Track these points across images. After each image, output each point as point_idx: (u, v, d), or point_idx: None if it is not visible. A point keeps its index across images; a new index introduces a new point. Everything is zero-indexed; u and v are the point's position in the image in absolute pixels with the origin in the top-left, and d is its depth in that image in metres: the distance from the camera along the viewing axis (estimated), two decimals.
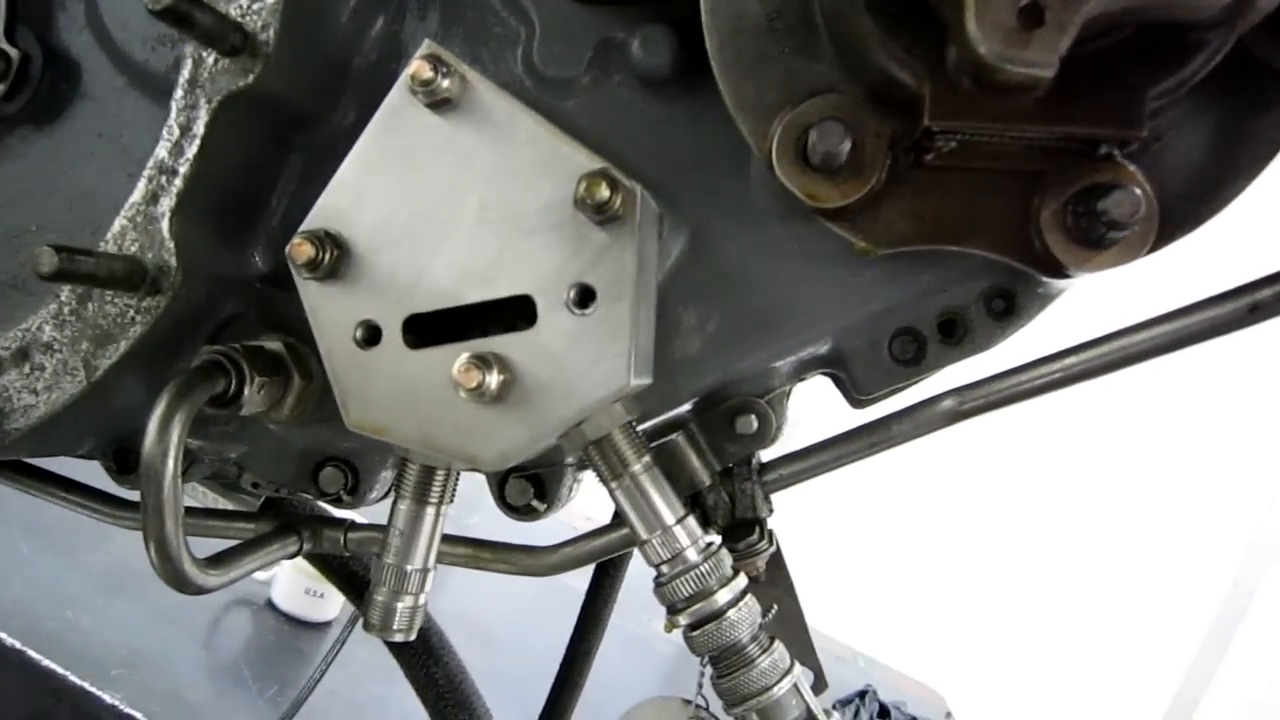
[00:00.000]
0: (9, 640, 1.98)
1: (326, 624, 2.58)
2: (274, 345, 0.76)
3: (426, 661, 1.13)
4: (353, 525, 0.87)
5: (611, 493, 0.71)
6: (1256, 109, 0.67)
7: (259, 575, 2.42)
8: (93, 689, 1.98)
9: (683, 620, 0.70)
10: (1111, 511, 3.44)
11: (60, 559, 2.37)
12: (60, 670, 1.99)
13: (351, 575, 1.10)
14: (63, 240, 0.84)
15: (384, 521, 0.91)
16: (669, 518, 0.71)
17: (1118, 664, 3.50)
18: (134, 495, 0.90)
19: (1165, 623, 3.43)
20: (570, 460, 0.81)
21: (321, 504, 0.88)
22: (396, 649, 1.14)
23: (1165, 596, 3.42)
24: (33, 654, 1.99)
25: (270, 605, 2.56)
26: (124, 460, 0.88)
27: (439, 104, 0.64)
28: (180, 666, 2.26)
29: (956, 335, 0.77)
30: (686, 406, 0.79)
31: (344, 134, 0.79)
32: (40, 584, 2.27)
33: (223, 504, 1.06)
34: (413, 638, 0.73)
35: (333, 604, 2.58)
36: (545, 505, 0.81)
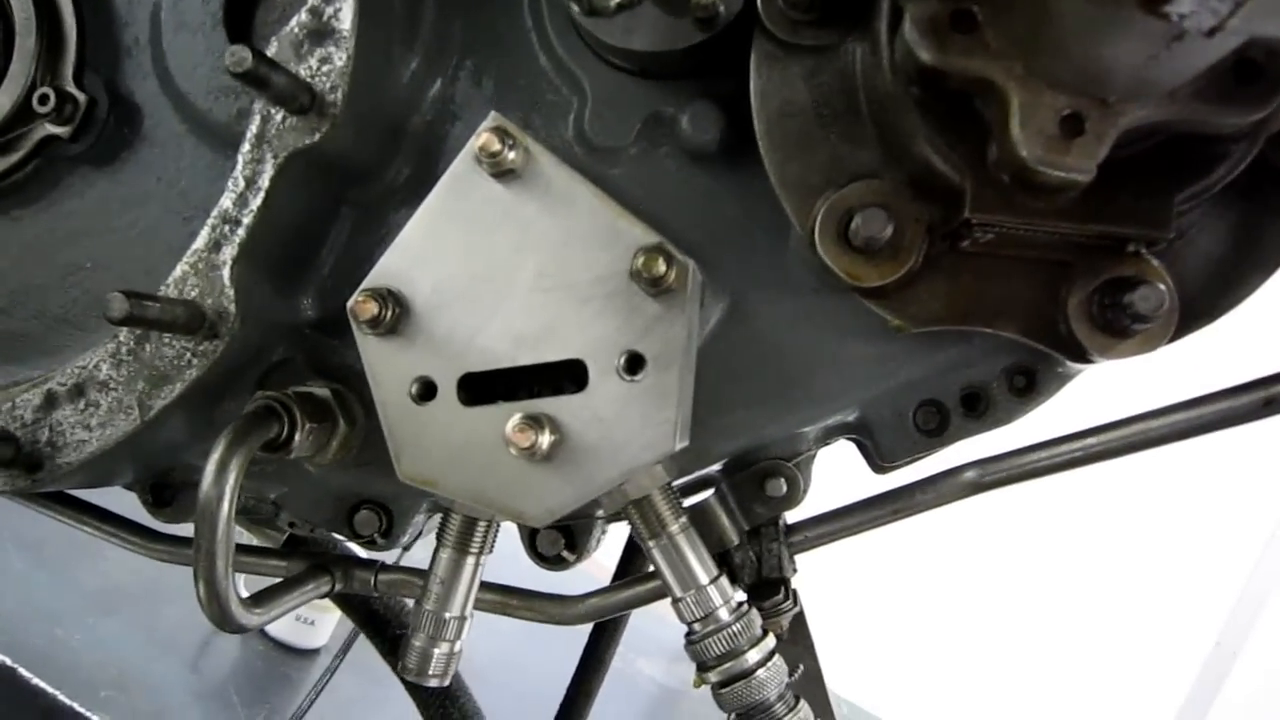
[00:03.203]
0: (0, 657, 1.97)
1: (315, 651, 2.58)
2: (322, 392, 0.79)
3: (444, 702, 1.15)
4: (383, 567, 0.89)
5: (649, 551, 0.74)
6: (1273, 212, 0.71)
7: None
8: (82, 709, 1.98)
9: (713, 677, 0.73)
10: (1089, 570, 3.47)
11: (53, 575, 2.36)
12: (50, 689, 1.99)
13: (371, 614, 1.11)
14: (117, 278, 0.87)
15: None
16: (703, 578, 0.73)
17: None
18: (165, 528, 0.92)
19: (1149, 678, 3.45)
20: (600, 514, 0.84)
21: (351, 545, 0.90)
22: (415, 688, 1.16)
23: (1150, 651, 3.44)
24: (23, 672, 1.98)
25: (260, 630, 2.56)
26: (160, 493, 0.90)
27: (503, 174, 0.68)
28: (169, 689, 2.25)
29: (978, 409, 0.81)
30: (716, 466, 0.82)
31: (396, 190, 0.82)
32: (32, 600, 2.26)
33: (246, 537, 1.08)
34: (447, 683, 0.75)
35: (322, 631, 2.58)
36: (575, 556, 0.84)
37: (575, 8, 0.57)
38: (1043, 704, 3.49)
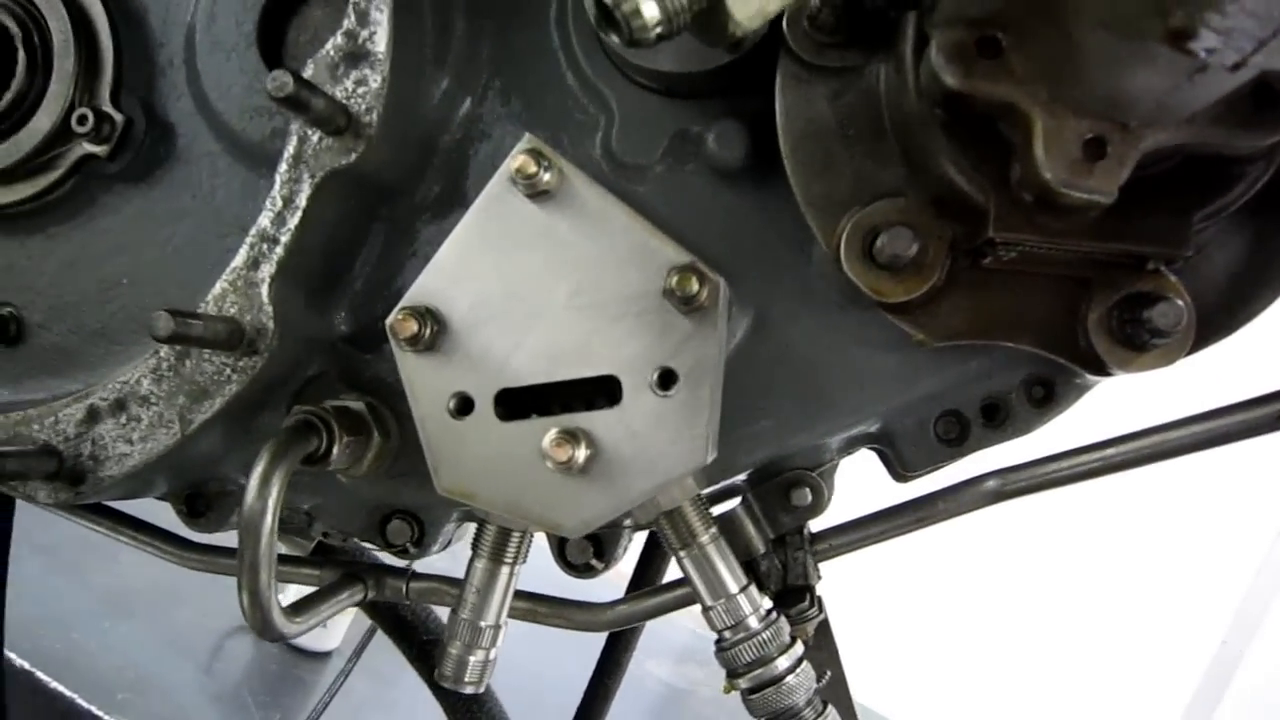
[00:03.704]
0: (19, 661, 1.99)
1: (328, 653, 2.60)
2: (357, 405, 0.80)
3: (472, 706, 1.16)
4: (415, 575, 0.91)
5: (680, 560, 0.76)
6: None
7: None
8: (100, 712, 2.00)
9: (743, 684, 0.75)
10: (1093, 575, 3.49)
11: (69, 579, 2.38)
12: (68, 693, 2.01)
13: (399, 620, 1.13)
14: (152, 294, 0.88)
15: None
16: (733, 587, 0.75)
17: None
18: (199, 537, 0.94)
19: (1156, 676, 3.47)
20: (628, 523, 0.86)
21: (382, 554, 0.92)
22: (443, 692, 1.18)
23: (1157, 649, 3.46)
24: (41, 675, 2.01)
25: None
26: (194, 504, 0.92)
27: (538, 194, 0.69)
28: (185, 692, 2.28)
29: (998, 419, 0.82)
30: (742, 476, 0.84)
31: (426, 206, 0.84)
32: (49, 604, 2.28)
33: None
34: (482, 690, 0.77)
35: (335, 633, 2.60)
36: (603, 564, 0.85)
37: (615, 39, 0.59)
38: (1051, 702, 3.51)
